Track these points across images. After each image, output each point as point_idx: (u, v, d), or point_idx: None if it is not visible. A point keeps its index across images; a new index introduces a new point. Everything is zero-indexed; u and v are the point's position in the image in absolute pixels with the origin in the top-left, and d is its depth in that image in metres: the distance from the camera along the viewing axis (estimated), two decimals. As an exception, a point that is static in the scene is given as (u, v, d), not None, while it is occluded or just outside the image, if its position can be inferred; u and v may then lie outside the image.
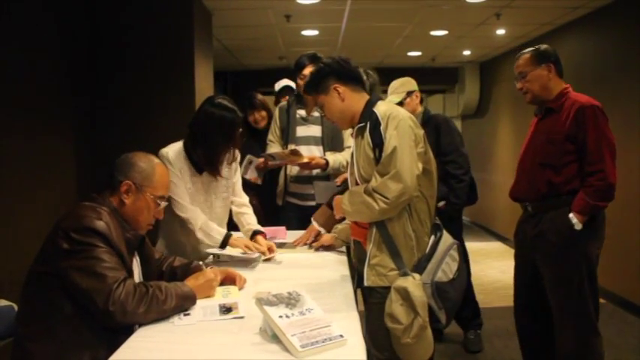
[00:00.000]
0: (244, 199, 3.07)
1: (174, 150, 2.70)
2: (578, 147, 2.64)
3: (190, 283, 2.00)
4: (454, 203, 3.59)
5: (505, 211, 7.65)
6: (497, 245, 7.67)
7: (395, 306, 2.05)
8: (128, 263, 1.92)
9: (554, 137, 2.69)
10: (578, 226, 2.60)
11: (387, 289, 2.11)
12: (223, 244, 2.70)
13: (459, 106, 9.13)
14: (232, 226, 3.02)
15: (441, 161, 3.62)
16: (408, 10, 5.24)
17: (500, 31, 6.24)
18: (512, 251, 7.23)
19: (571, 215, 2.62)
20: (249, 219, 3.00)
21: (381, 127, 2.11)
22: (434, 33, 6.28)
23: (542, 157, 2.74)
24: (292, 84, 4.45)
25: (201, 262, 2.37)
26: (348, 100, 2.24)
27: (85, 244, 1.80)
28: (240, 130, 2.74)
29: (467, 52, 7.71)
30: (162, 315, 1.84)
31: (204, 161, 2.71)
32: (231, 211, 3.02)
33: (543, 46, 2.82)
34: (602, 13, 5.12)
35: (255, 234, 2.87)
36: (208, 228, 2.70)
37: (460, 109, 9.06)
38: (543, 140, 2.76)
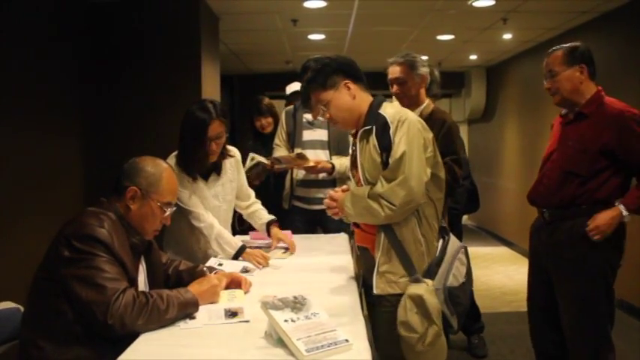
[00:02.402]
0: (252, 197, 3.11)
1: (176, 160, 2.72)
2: (617, 157, 2.49)
3: (194, 288, 1.97)
4: (453, 208, 3.57)
5: (512, 216, 7.63)
6: (503, 250, 7.64)
7: (410, 314, 1.98)
8: (131, 271, 1.89)
9: (588, 146, 2.52)
10: (627, 218, 2.47)
11: (398, 296, 2.04)
12: (236, 257, 2.71)
13: (465, 110, 9.11)
14: (234, 229, 3.05)
15: None
16: (414, 14, 5.24)
17: (507, 36, 6.24)
18: (518, 256, 7.23)
19: (621, 207, 2.47)
20: (260, 214, 3.08)
21: (390, 131, 2.04)
22: (440, 37, 6.28)
23: (569, 165, 2.57)
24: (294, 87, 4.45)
25: (205, 267, 2.37)
26: (357, 99, 2.16)
27: (86, 253, 1.78)
28: (221, 135, 2.66)
29: (473, 57, 7.71)
30: (163, 324, 1.82)
31: (180, 162, 2.69)
32: (235, 213, 3.04)
33: (578, 45, 2.62)
34: (608, 17, 5.11)
35: (269, 225, 3.01)
36: (223, 240, 2.72)
37: (466, 114, 9.05)
38: (573, 147, 2.58)
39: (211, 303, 2.00)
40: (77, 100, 4.09)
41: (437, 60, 7.78)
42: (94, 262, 1.77)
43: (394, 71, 3.01)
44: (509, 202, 7.79)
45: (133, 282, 1.89)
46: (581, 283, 2.56)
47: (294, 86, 4.50)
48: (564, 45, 2.63)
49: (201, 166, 2.73)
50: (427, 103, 3.03)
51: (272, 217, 3.08)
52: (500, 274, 6.28)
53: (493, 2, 4.75)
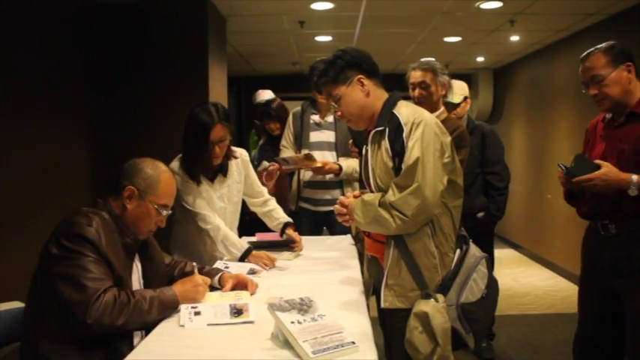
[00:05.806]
0: (265, 194, 3.09)
1: (180, 162, 2.73)
2: None
3: (177, 288, 1.98)
4: (494, 215, 3.59)
5: (518, 219, 7.60)
6: (509, 252, 7.61)
7: (414, 334, 1.86)
8: (119, 270, 1.89)
9: None
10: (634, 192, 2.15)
11: (408, 311, 1.92)
12: (242, 259, 2.70)
13: (472, 112, 9.08)
14: (240, 230, 3.05)
15: (484, 172, 3.65)
16: (421, 16, 5.24)
17: (515, 38, 6.22)
18: (525, 259, 7.20)
19: (634, 177, 2.17)
20: (276, 214, 3.06)
21: (404, 134, 1.90)
22: (448, 39, 6.27)
23: (631, 170, 2.22)
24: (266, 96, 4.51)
25: (214, 267, 2.37)
26: (371, 96, 2.02)
27: (72, 252, 1.80)
28: (224, 138, 2.64)
29: (480, 59, 7.70)
30: (144, 324, 1.85)
31: (183, 164, 2.70)
32: (241, 214, 3.04)
33: (615, 43, 2.38)
34: (617, 19, 5.08)
35: (284, 227, 2.99)
36: (229, 242, 2.72)
37: (474, 116, 9.00)
38: (630, 150, 2.29)
39: (194, 302, 1.98)
40: (85, 102, 4.10)
41: (444, 62, 7.71)
42: (80, 261, 1.79)
43: (418, 75, 3.01)
44: (516, 204, 7.74)
45: (120, 281, 1.89)
46: None
47: (262, 95, 4.55)
48: (598, 46, 2.37)
49: (203, 169, 2.73)
50: (442, 110, 3.02)
51: (288, 219, 3.06)
52: (507, 276, 6.26)
53: (500, 4, 4.74)
